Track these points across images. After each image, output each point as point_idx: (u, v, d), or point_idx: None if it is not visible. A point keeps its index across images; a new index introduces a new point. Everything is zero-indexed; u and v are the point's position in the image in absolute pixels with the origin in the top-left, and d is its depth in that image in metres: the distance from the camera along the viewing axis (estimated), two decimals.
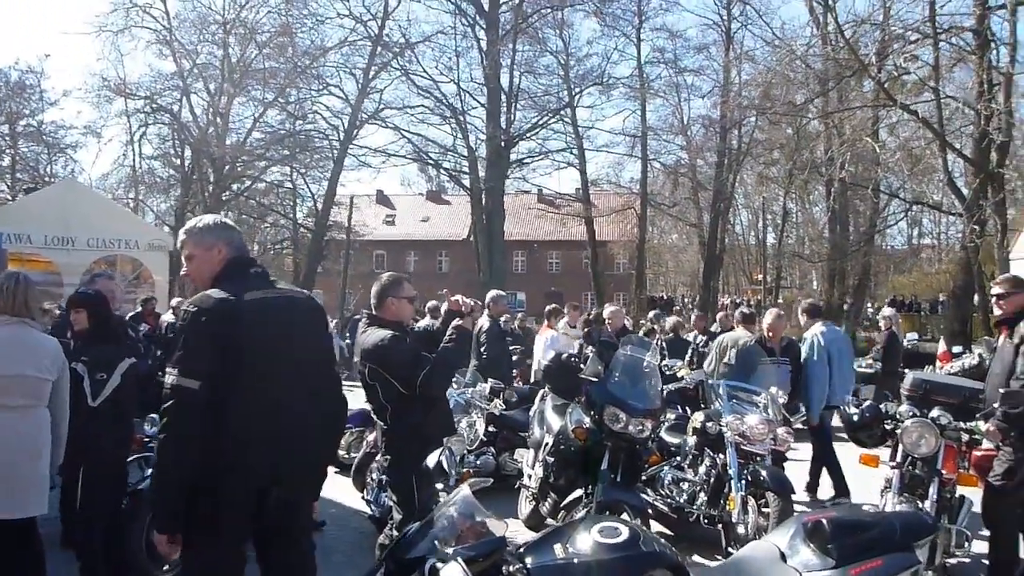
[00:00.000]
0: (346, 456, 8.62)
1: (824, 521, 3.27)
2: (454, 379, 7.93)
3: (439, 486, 3.06)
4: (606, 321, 10.79)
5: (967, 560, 5.81)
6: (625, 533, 2.85)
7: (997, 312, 5.54)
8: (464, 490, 2.81)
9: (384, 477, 5.05)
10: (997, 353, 5.56)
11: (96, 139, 35.51)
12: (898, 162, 23.67)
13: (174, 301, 14.07)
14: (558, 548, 2.85)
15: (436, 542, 2.66)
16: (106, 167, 76.77)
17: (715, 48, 35.01)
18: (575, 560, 2.79)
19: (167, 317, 12.91)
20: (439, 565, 2.53)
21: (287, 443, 3.27)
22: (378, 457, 5.81)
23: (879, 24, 21.03)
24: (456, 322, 4.68)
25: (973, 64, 18.98)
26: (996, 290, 5.59)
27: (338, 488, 8.02)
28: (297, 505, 3.41)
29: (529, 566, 2.75)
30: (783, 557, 3.22)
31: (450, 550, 2.60)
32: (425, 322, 7.81)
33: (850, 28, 21.10)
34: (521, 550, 2.86)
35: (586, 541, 2.84)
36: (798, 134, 24.52)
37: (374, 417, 4.78)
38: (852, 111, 21.58)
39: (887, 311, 13.74)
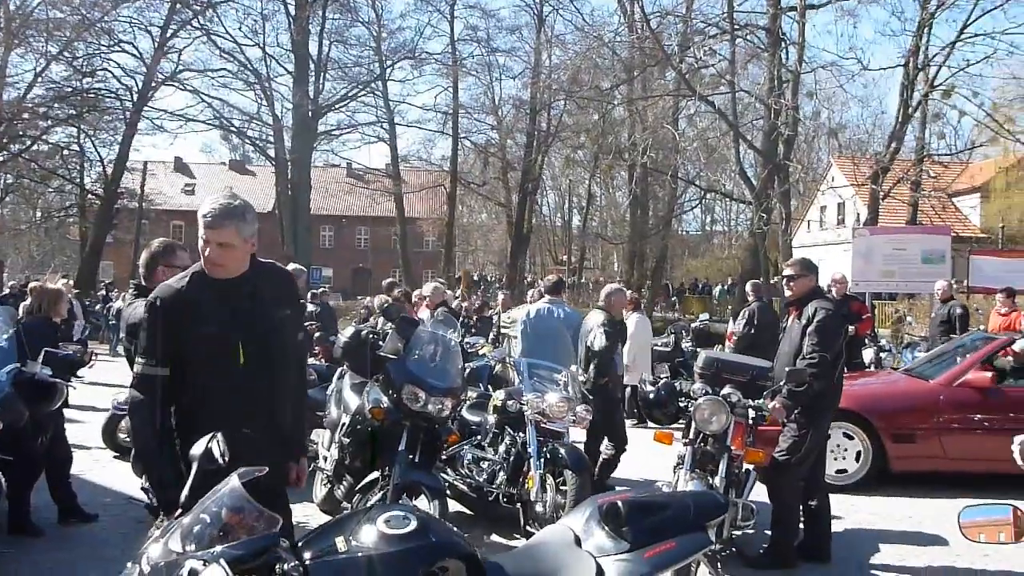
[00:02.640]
0: (126, 440, 7.96)
1: (619, 503, 3.18)
2: None
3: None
4: (425, 299, 10.36)
5: (752, 531, 6.00)
6: (413, 523, 2.61)
7: (788, 293, 5.73)
8: (233, 480, 2.46)
9: None
10: (786, 333, 5.76)
11: None
12: (695, 151, 24.79)
13: None
14: (340, 541, 2.57)
15: (197, 541, 2.33)
16: None
17: (527, 30, 35.53)
18: (358, 554, 2.53)
19: None
20: (199, 567, 2.21)
21: None
22: None
23: (682, 17, 21.88)
24: None
25: (766, 61, 20.10)
26: (787, 272, 5.78)
27: (116, 475, 7.43)
28: None
29: (307, 562, 2.46)
30: (578, 541, 3.11)
31: (215, 550, 2.28)
32: None
33: (655, 19, 21.88)
34: (299, 545, 2.57)
35: (371, 533, 2.58)
36: (604, 119, 25.15)
37: None
38: (655, 99, 22.34)
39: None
